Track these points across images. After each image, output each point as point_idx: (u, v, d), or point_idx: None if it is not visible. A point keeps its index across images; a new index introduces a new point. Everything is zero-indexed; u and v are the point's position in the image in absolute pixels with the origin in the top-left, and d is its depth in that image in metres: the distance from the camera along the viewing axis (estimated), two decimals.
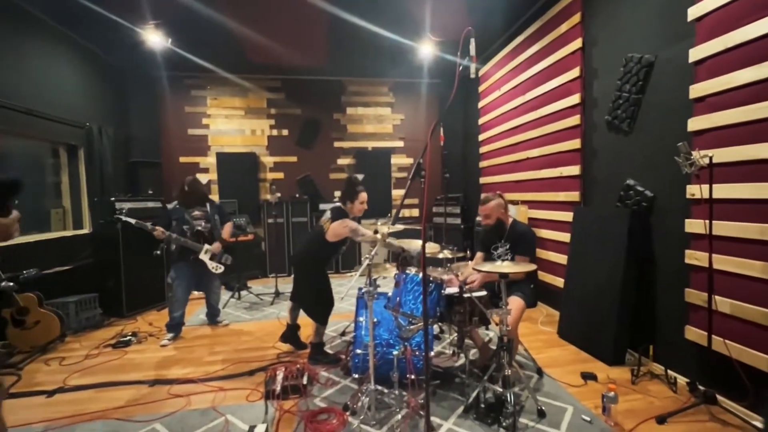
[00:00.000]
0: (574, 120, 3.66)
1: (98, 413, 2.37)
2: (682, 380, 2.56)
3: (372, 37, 4.77)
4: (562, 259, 3.77)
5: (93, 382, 2.78)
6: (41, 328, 3.34)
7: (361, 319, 2.76)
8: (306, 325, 3.21)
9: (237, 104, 6.44)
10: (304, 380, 2.54)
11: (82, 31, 4.74)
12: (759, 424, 2.05)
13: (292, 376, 2.54)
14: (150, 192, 5.28)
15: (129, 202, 4.45)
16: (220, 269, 3.73)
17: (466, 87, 6.35)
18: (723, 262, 2.26)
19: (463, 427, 2.15)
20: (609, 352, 2.92)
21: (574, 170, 3.69)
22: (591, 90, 3.51)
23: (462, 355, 2.81)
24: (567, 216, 3.73)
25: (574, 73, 3.63)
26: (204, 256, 3.62)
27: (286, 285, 3.69)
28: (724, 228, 2.26)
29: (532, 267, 2.41)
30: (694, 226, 2.45)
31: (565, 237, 3.74)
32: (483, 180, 5.77)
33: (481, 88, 5.77)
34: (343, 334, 3.59)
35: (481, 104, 5.78)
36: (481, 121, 5.78)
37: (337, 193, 6.41)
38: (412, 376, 2.35)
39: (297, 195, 6.24)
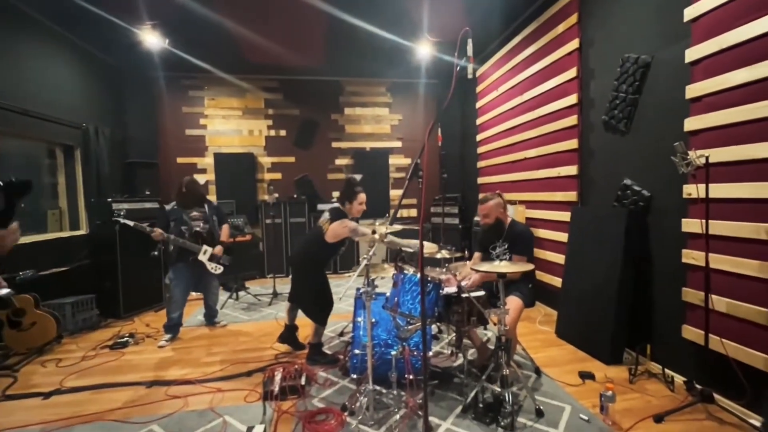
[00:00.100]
0: (572, 120, 3.68)
1: (95, 415, 2.36)
2: (679, 379, 2.57)
3: (370, 37, 4.77)
4: (559, 258, 3.78)
5: (90, 384, 2.76)
6: (37, 329, 3.32)
7: (359, 319, 2.76)
8: (304, 325, 3.21)
9: (234, 104, 6.43)
10: (303, 381, 2.54)
11: (78, 31, 4.72)
12: (756, 423, 2.06)
13: (291, 377, 2.54)
14: (147, 193, 5.26)
15: (126, 203, 4.43)
16: (219, 269, 3.72)
17: (463, 87, 6.36)
18: (720, 262, 2.27)
19: (461, 427, 2.16)
20: (607, 352, 2.93)
21: (572, 170, 3.70)
22: (588, 90, 3.52)
23: (460, 355, 2.82)
24: (564, 216, 3.74)
25: (571, 73, 3.64)
26: (203, 257, 3.61)
27: (284, 285, 3.68)
28: (720, 227, 2.27)
29: (530, 267, 2.41)
30: (691, 225, 2.46)
31: (562, 237, 3.75)
32: (481, 180, 5.78)
33: (478, 89, 5.78)
34: (341, 334, 3.58)
35: (478, 104, 5.79)
36: (478, 121, 5.79)
37: (335, 194, 6.40)
38: (411, 376, 2.35)
39: (295, 195, 6.24)
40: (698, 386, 2.37)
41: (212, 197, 6.11)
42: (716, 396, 2.28)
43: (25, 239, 3.91)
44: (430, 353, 3.05)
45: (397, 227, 2.63)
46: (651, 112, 2.86)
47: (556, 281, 3.83)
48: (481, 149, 5.76)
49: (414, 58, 5.54)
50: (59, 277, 3.97)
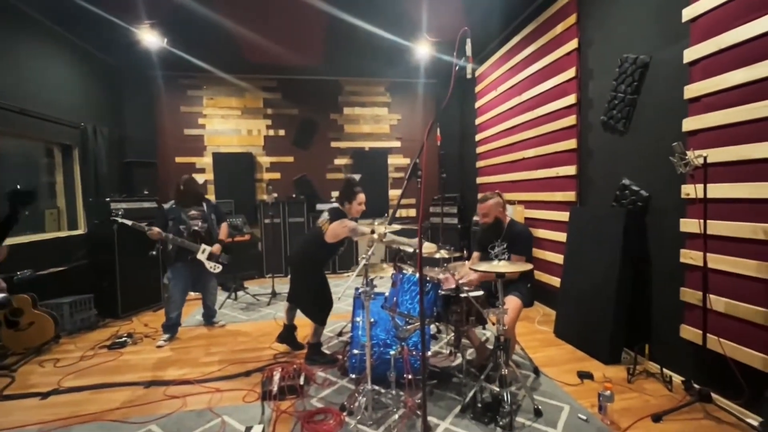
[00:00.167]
0: (570, 120, 3.68)
1: (93, 415, 2.36)
2: (677, 378, 2.57)
3: (369, 37, 4.77)
4: (558, 258, 3.79)
5: (88, 384, 2.75)
6: (35, 329, 3.32)
7: (358, 319, 2.75)
8: (303, 325, 3.21)
9: (233, 104, 6.42)
10: (301, 381, 2.54)
11: (77, 30, 4.70)
12: (754, 422, 2.07)
13: (289, 377, 2.54)
14: (145, 192, 5.25)
15: (124, 202, 4.42)
16: (218, 268, 3.71)
17: (462, 87, 6.36)
18: (717, 261, 2.28)
19: (460, 427, 2.16)
20: (605, 351, 2.93)
21: (570, 170, 3.71)
22: (586, 90, 3.52)
23: (459, 354, 2.82)
24: (563, 216, 3.75)
25: (570, 73, 3.65)
26: (201, 256, 3.60)
27: (283, 285, 3.68)
28: (718, 227, 2.28)
29: (529, 266, 2.42)
30: (689, 225, 2.46)
31: (561, 237, 3.75)
32: (480, 180, 5.79)
33: (477, 89, 5.78)
34: (340, 334, 3.58)
35: (477, 104, 5.79)
36: (477, 121, 5.80)
37: (335, 194, 6.39)
38: (409, 376, 2.35)
39: (294, 195, 6.23)
40: (696, 386, 2.38)
41: (211, 197, 6.09)
42: (714, 395, 2.28)
43: (23, 239, 3.90)
44: (429, 353, 3.05)
45: (396, 227, 2.63)
46: (649, 113, 2.86)
47: (555, 281, 3.84)
48: (480, 149, 5.76)
49: (413, 57, 5.53)
50: (57, 277, 3.96)
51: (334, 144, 6.74)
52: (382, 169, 6.75)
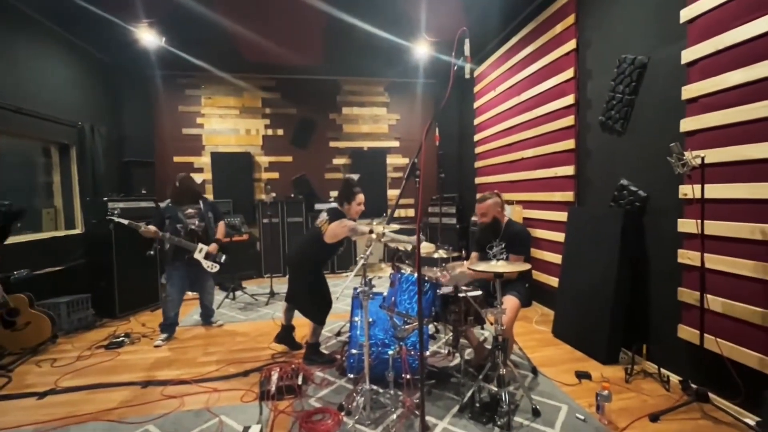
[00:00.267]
0: (569, 120, 3.69)
1: (91, 415, 2.35)
2: (675, 378, 2.58)
3: (368, 36, 4.77)
4: (556, 258, 3.79)
5: (85, 384, 2.74)
6: (32, 329, 3.30)
7: (356, 319, 2.75)
8: (301, 325, 3.20)
9: (231, 103, 6.41)
10: (299, 380, 2.53)
11: (74, 29, 4.69)
12: (750, 422, 2.08)
13: (287, 377, 2.53)
14: (143, 192, 5.24)
15: (122, 201, 4.40)
16: (216, 268, 3.70)
17: (461, 87, 6.37)
18: (715, 262, 2.28)
19: (458, 427, 2.16)
20: (603, 351, 2.94)
21: (569, 170, 3.72)
22: (585, 91, 3.53)
23: (457, 354, 2.82)
24: (561, 216, 3.75)
25: (569, 74, 3.65)
26: (199, 255, 3.59)
27: (281, 285, 3.68)
28: (715, 228, 2.28)
29: (527, 266, 2.42)
30: (687, 225, 2.47)
31: (559, 237, 3.76)
32: (478, 180, 5.79)
33: (476, 89, 5.79)
34: (338, 334, 3.58)
35: (476, 104, 5.80)
36: (476, 121, 5.80)
37: (333, 193, 6.39)
38: (408, 376, 2.35)
39: (292, 195, 6.22)
40: (693, 386, 2.39)
41: (209, 196, 6.07)
42: (711, 395, 2.29)
43: (20, 238, 3.88)
44: (427, 353, 3.05)
45: (395, 226, 2.63)
46: (647, 113, 2.87)
47: (553, 281, 3.84)
48: (478, 149, 5.77)
49: (412, 57, 5.54)
50: (54, 277, 3.94)
51: (332, 144, 6.73)
52: (380, 168, 6.75)
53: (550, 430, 2.12)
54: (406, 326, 2.38)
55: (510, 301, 2.61)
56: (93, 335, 3.73)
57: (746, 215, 2.15)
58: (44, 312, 3.40)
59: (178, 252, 3.55)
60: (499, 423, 2.13)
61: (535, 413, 2.24)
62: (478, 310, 2.33)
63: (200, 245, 3.60)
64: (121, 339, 3.51)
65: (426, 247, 3.05)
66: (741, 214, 2.18)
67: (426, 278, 2.45)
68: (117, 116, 5.91)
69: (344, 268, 6.20)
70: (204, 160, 6.31)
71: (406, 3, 4.21)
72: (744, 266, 2.15)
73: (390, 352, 2.36)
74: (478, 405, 2.27)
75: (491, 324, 2.34)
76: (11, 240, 3.69)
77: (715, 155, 2.27)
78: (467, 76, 1.91)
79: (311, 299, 2.97)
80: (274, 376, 2.53)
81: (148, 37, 4.62)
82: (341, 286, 2.57)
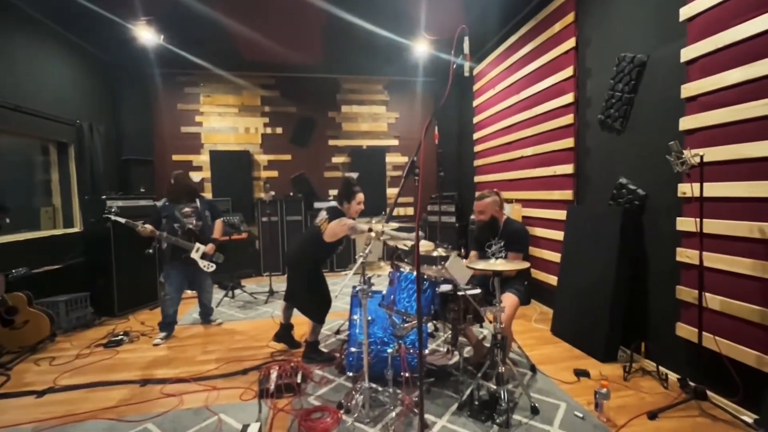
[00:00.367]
0: (568, 119, 3.69)
1: (89, 413, 2.35)
2: (673, 376, 2.59)
3: (367, 35, 4.76)
4: (555, 257, 3.79)
5: (84, 382, 2.74)
6: (30, 327, 3.29)
7: (355, 317, 2.75)
8: (300, 324, 3.20)
9: (231, 102, 6.39)
10: (298, 379, 2.54)
11: (73, 27, 4.67)
12: (748, 419, 2.08)
13: (286, 375, 2.53)
14: (142, 190, 5.23)
15: (120, 200, 4.39)
16: (212, 267, 3.70)
17: (460, 85, 6.36)
18: (713, 260, 2.29)
19: (456, 425, 2.16)
20: (601, 349, 2.94)
21: (568, 169, 3.72)
22: (584, 89, 3.53)
23: (456, 352, 2.82)
24: (560, 214, 3.75)
25: (568, 72, 3.65)
26: (195, 255, 3.59)
27: (281, 284, 3.67)
28: (714, 226, 2.29)
29: (526, 265, 2.42)
30: (685, 224, 2.47)
31: (558, 235, 3.76)
32: (477, 179, 5.79)
33: (475, 87, 5.78)
34: (337, 332, 3.58)
35: (475, 103, 5.79)
36: (475, 119, 5.79)
37: (332, 192, 6.39)
38: (407, 374, 2.35)
39: (291, 193, 6.21)
40: (692, 383, 2.39)
41: (208, 195, 6.07)
42: (709, 393, 2.29)
43: (18, 236, 3.87)
44: (426, 351, 3.05)
45: (394, 225, 2.63)
46: (647, 111, 2.87)
47: (552, 279, 3.85)
48: (477, 147, 5.76)
49: (411, 55, 5.52)
50: (53, 275, 3.93)
51: (332, 142, 6.72)
52: (380, 167, 6.75)
53: (548, 428, 2.12)
54: (405, 324, 2.39)
55: (509, 299, 2.62)
56: (92, 334, 3.73)
57: (745, 213, 2.15)
58: (43, 310, 3.40)
59: (175, 251, 3.54)
60: (497, 421, 2.14)
61: (534, 411, 2.24)
62: (477, 309, 2.33)
63: (197, 245, 3.59)
64: (120, 337, 3.50)
65: (425, 246, 3.05)
66: (739, 213, 2.18)
67: (425, 277, 2.45)
68: (116, 114, 5.90)
69: (343, 267, 6.20)
70: (203, 159, 6.30)
71: (405, 1, 4.20)
72: (742, 264, 2.15)
73: (389, 351, 2.36)
74: (477, 403, 2.28)
75: (490, 322, 2.34)
76: (9, 238, 3.69)
77: (714, 154, 2.27)
78: (466, 74, 1.90)
79: (310, 298, 2.97)
80: (273, 375, 2.53)
81: (146, 34, 4.60)
82: (340, 285, 2.57)
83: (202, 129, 6.33)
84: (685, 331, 2.50)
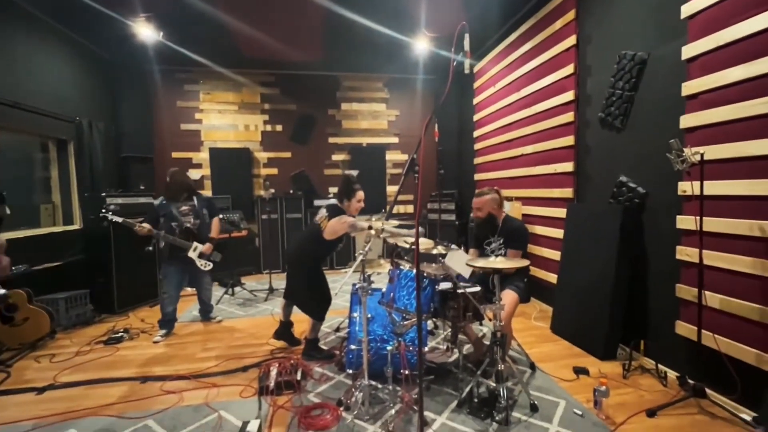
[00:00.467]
0: (568, 117, 3.68)
1: (89, 410, 2.35)
2: (672, 374, 2.59)
3: (367, 32, 4.74)
4: (555, 255, 3.80)
5: (84, 379, 2.75)
6: (30, 324, 3.30)
7: (355, 314, 2.76)
8: (300, 321, 3.21)
9: (230, 99, 6.38)
10: (298, 376, 2.54)
11: (72, 24, 4.65)
12: (747, 417, 2.09)
13: (286, 372, 2.54)
14: (142, 187, 5.22)
15: (120, 197, 4.39)
16: (209, 266, 3.69)
17: (461, 83, 6.35)
18: (713, 258, 2.29)
19: (456, 422, 2.17)
20: (601, 347, 2.95)
21: (568, 167, 3.71)
22: (585, 87, 3.52)
23: (456, 350, 2.82)
24: (560, 212, 3.75)
25: (568, 70, 3.64)
26: (193, 254, 3.58)
27: (280, 281, 3.67)
28: (714, 224, 2.29)
29: (526, 262, 2.42)
30: (685, 222, 2.47)
31: (558, 233, 3.76)
32: (478, 176, 5.78)
33: (476, 85, 5.77)
34: (337, 330, 3.59)
35: (476, 100, 5.78)
36: (476, 117, 5.78)
37: (332, 189, 6.38)
38: (406, 372, 2.35)
39: (291, 191, 6.21)
40: (691, 381, 2.39)
41: (208, 192, 6.07)
42: (708, 391, 2.30)
43: (17, 234, 3.87)
44: (426, 348, 3.06)
45: (394, 222, 2.63)
46: (647, 109, 2.86)
47: (552, 277, 3.85)
48: (478, 145, 5.76)
49: (411, 53, 5.51)
50: (53, 272, 3.93)
51: (331, 140, 6.71)
52: (380, 165, 6.74)
53: (547, 425, 2.12)
54: (405, 322, 2.39)
55: (509, 296, 2.62)
56: (92, 331, 3.73)
57: (745, 212, 2.15)
58: (43, 307, 3.40)
59: (173, 250, 3.54)
60: (497, 418, 2.14)
61: (533, 408, 2.25)
62: (476, 306, 2.33)
63: (195, 244, 3.58)
64: (120, 334, 3.51)
65: (425, 243, 3.05)
66: (740, 211, 2.18)
67: (425, 274, 2.45)
68: (115, 111, 5.88)
69: (343, 264, 6.20)
70: (203, 156, 6.29)
71: None
72: (742, 263, 2.15)
73: (389, 348, 2.36)
74: (476, 400, 2.28)
75: (490, 320, 2.34)
76: (10, 235, 3.68)
77: (714, 152, 2.27)
78: (467, 71, 1.90)
79: (310, 295, 2.97)
80: (273, 372, 2.53)
81: (145, 31, 4.58)
82: (340, 282, 2.57)
83: (201, 126, 6.32)
84: (684, 329, 2.50)
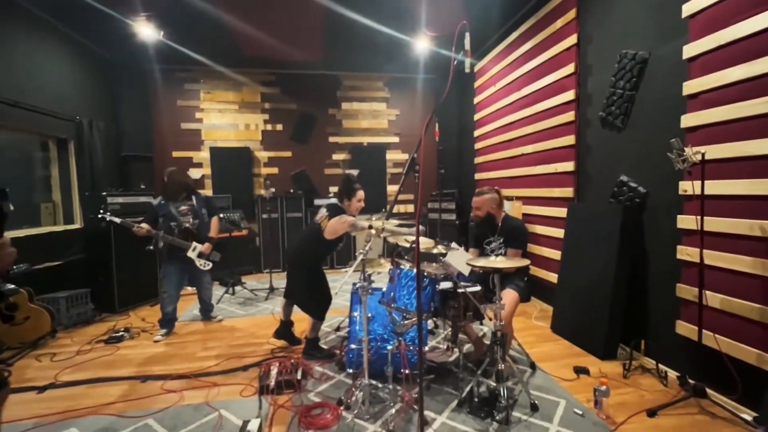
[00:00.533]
0: (569, 116, 3.67)
1: (90, 409, 2.36)
2: (672, 374, 2.59)
3: (368, 31, 4.74)
4: (556, 254, 3.79)
5: (85, 378, 2.75)
6: (31, 323, 3.29)
7: (355, 314, 2.76)
8: (300, 320, 3.21)
9: (231, 98, 6.38)
10: (299, 375, 2.54)
11: (72, 23, 4.65)
12: (747, 417, 2.09)
13: (287, 371, 2.54)
14: (142, 186, 5.22)
15: (121, 196, 4.39)
16: (208, 266, 3.70)
17: (461, 83, 6.34)
18: (714, 258, 2.28)
19: (456, 421, 2.17)
20: (601, 347, 2.95)
21: (569, 166, 3.71)
22: (585, 86, 3.51)
23: (456, 349, 2.83)
24: (561, 212, 3.75)
25: (569, 69, 3.63)
26: (192, 254, 3.58)
27: (281, 280, 3.67)
28: (715, 224, 2.28)
29: (526, 262, 2.42)
30: (686, 222, 2.47)
31: (559, 233, 3.76)
32: (478, 176, 5.78)
33: (476, 84, 5.76)
34: (337, 329, 3.59)
35: (476, 100, 5.77)
36: (476, 116, 5.78)
37: (333, 189, 6.38)
38: (406, 371, 2.35)
39: (291, 190, 6.21)
40: (691, 381, 2.40)
41: (208, 192, 6.08)
42: (709, 391, 2.30)
43: (18, 233, 3.87)
44: (426, 348, 3.06)
45: (394, 222, 2.63)
46: (648, 109, 2.86)
47: (552, 277, 3.85)
48: (478, 145, 5.75)
49: (412, 52, 5.50)
50: (53, 271, 3.93)
51: (332, 139, 6.71)
52: (380, 164, 6.73)
53: (548, 425, 2.12)
54: (405, 321, 2.39)
55: (509, 295, 2.62)
56: (92, 330, 3.74)
57: (746, 212, 2.15)
58: (43, 306, 3.39)
59: (173, 249, 3.54)
60: (497, 417, 2.14)
61: (534, 408, 2.25)
62: (477, 306, 2.33)
63: (194, 243, 3.58)
64: (120, 334, 3.51)
65: (425, 243, 3.04)
66: (740, 211, 2.18)
67: (425, 274, 2.45)
68: (115, 111, 5.88)
69: (343, 264, 6.21)
70: (203, 155, 6.29)
71: None
72: (743, 262, 2.15)
73: (389, 347, 2.36)
74: (476, 399, 2.28)
75: (490, 319, 2.34)
76: (10, 234, 3.67)
77: (715, 151, 2.26)
78: (467, 70, 1.89)
79: (310, 295, 2.97)
80: (274, 371, 2.54)
81: (146, 30, 4.58)
82: (340, 282, 2.57)
83: (202, 125, 6.32)
84: (684, 328, 2.50)
